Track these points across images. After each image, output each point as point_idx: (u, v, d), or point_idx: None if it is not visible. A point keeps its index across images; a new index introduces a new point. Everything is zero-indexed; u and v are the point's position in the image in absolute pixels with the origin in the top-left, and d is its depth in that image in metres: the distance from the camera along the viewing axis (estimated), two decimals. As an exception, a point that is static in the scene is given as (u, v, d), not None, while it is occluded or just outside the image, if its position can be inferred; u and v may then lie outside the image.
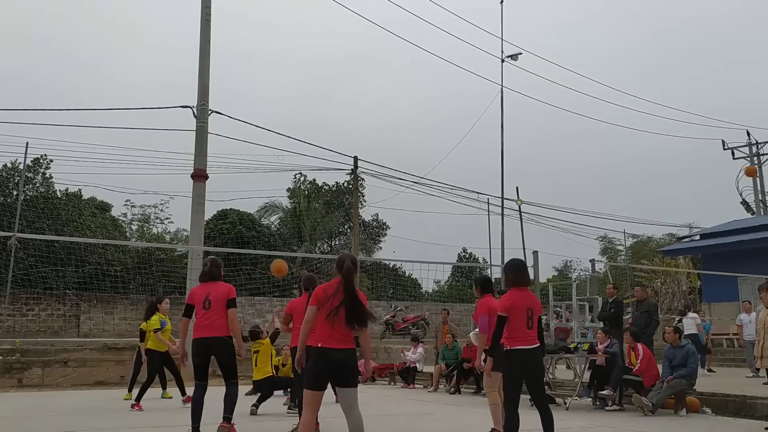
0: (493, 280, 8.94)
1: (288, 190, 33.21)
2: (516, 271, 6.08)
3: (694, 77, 75.80)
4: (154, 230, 31.82)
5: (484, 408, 9.59)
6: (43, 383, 13.72)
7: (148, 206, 31.79)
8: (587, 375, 10.39)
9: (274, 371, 10.31)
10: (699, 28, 77.48)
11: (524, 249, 26.89)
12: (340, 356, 4.85)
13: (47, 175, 25.85)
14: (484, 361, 6.95)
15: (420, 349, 14.65)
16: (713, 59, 74.52)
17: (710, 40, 76.11)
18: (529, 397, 10.53)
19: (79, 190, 27.18)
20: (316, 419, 5.44)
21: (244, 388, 11.13)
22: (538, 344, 5.85)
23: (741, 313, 15.21)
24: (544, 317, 11.69)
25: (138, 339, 11.21)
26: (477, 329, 11.22)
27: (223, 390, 6.68)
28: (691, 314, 15.30)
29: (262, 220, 31.22)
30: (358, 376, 5.11)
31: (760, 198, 32.15)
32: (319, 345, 4.88)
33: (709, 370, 15.05)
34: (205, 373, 6.55)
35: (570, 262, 42.35)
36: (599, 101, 71.96)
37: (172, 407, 9.61)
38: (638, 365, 9.57)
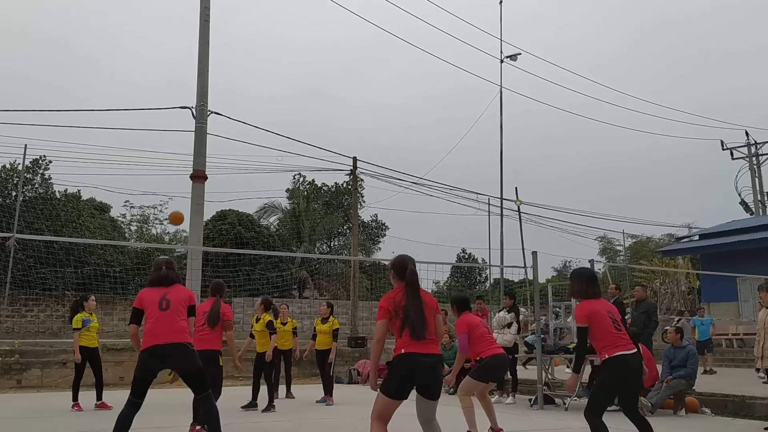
0: (492, 281, 8.98)
1: (287, 190, 33.25)
2: (588, 281, 5.41)
3: (692, 76, 75.89)
4: (153, 231, 31.88)
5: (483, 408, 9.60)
6: (42, 384, 13.70)
7: (147, 207, 31.87)
8: (586, 375, 10.38)
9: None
10: (698, 26, 77.56)
11: (523, 249, 26.96)
12: (428, 362, 4.53)
13: (46, 176, 25.85)
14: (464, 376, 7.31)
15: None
16: (712, 58, 74.61)
17: (708, 39, 76.21)
18: (530, 398, 10.61)
19: (78, 191, 27.22)
20: None
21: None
22: (635, 349, 5.27)
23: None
24: (543, 317, 11.73)
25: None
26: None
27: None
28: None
29: (261, 220, 31.22)
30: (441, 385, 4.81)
31: (759, 198, 32.20)
32: (403, 351, 4.53)
33: (708, 371, 14.98)
34: (146, 389, 5.44)
35: (569, 262, 42.33)
36: (598, 101, 72.08)
37: (172, 408, 9.59)
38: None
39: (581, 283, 5.42)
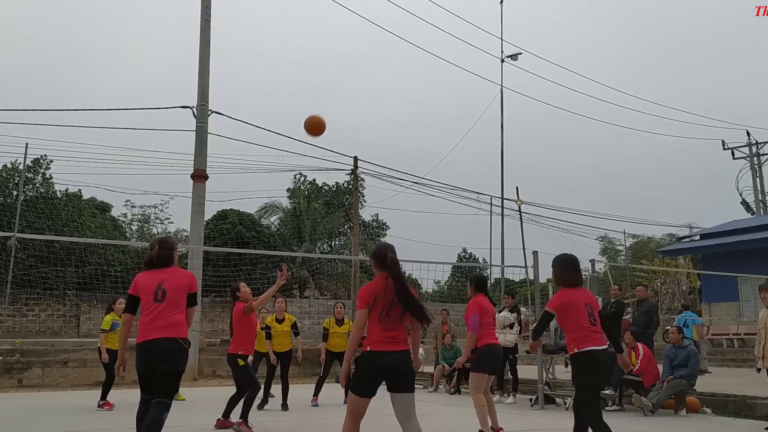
0: (492, 281, 8.92)
1: (288, 190, 33.28)
2: (568, 268, 5.28)
3: (693, 76, 75.83)
4: (154, 230, 31.91)
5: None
6: (43, 384, 13.71)
7: (148, 206, 31.96)
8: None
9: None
10: (699, 26, 77.51)
11: (524, 249, 26.93)
12: (393, 358, 4.34)
13: (47, 176, 25.93)
14: (469, 361, 7.16)
15: (420, 350, 14.66)
16: (712, 57, 74.56)
17: (709, 38, 76.15)
18: (531, 398, 10.60)
19: (79, 190, 27.28)
20: None
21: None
22: (607, 345, 5.11)
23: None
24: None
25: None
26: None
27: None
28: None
29: (262, 220, 31.25)
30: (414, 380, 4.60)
31: (760, 198, 32.19)
32: (369, 349, 4.38)
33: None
34: (153, 384, 5.10)
35: (569, 262, 42.29)
36: (599, 101, 72.07)
37: (173, 408, 9.57)
38: (638, 365, 9.57)
39: (561, 269, 5.29)
